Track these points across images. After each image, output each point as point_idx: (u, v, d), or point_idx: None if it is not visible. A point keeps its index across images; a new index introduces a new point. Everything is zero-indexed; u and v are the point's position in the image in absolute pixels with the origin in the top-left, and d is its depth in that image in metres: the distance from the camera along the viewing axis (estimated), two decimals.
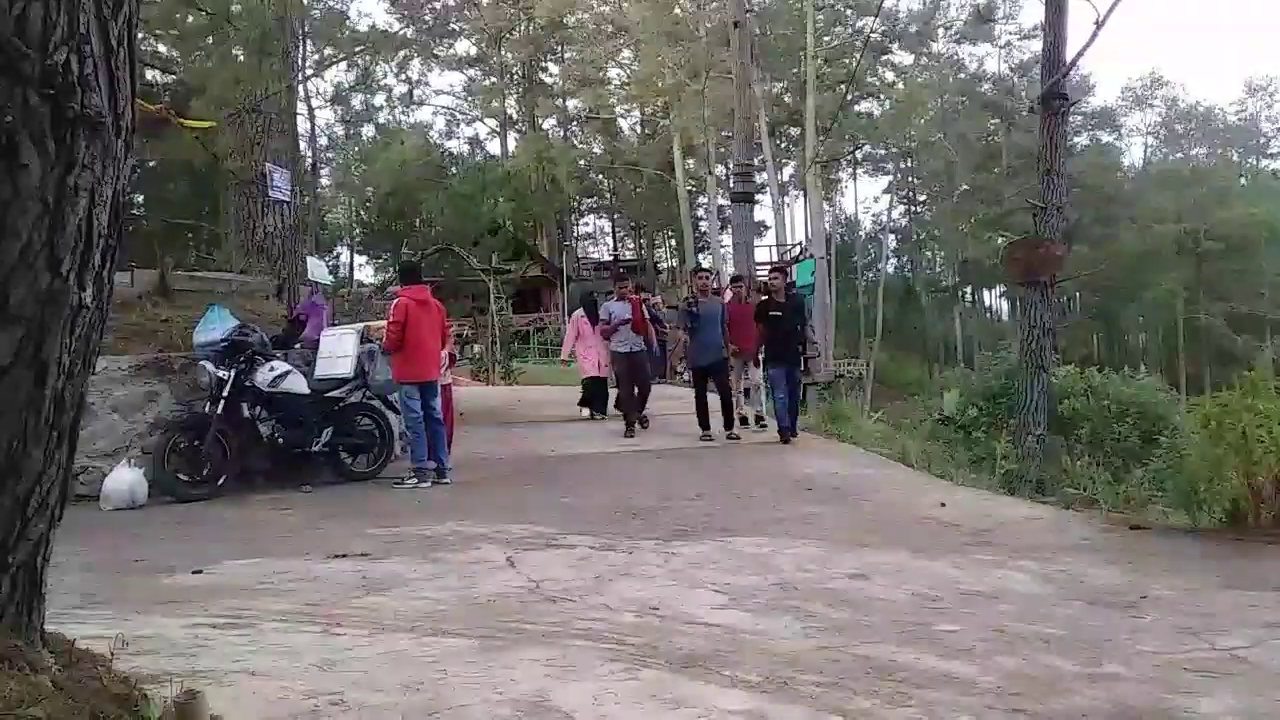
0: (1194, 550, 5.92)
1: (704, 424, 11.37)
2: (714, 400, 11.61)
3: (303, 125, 21.75)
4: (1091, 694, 3.20)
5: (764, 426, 11.92)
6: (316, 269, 12.91)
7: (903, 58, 56.94)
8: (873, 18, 43.89)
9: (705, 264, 34.02)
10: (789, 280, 11.62)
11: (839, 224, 64.51)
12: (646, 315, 12.50)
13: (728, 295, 12.86)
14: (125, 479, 7.98)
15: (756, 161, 23.21)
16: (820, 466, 9.23)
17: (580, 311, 15.08)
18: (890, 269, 62.06)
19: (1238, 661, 3.57)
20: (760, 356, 11.79)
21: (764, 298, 11.73)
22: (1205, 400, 7.03)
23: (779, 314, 11.10)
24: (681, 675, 3.32)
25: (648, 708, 3.00)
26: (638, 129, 58.82)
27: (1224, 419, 6.36)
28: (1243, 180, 60.71)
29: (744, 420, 11.80)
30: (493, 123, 58.17)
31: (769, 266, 13.96)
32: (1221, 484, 6.48)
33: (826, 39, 47.01)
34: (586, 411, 13.98)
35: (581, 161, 55.66)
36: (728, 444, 11.04)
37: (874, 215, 67.61)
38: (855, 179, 65.53)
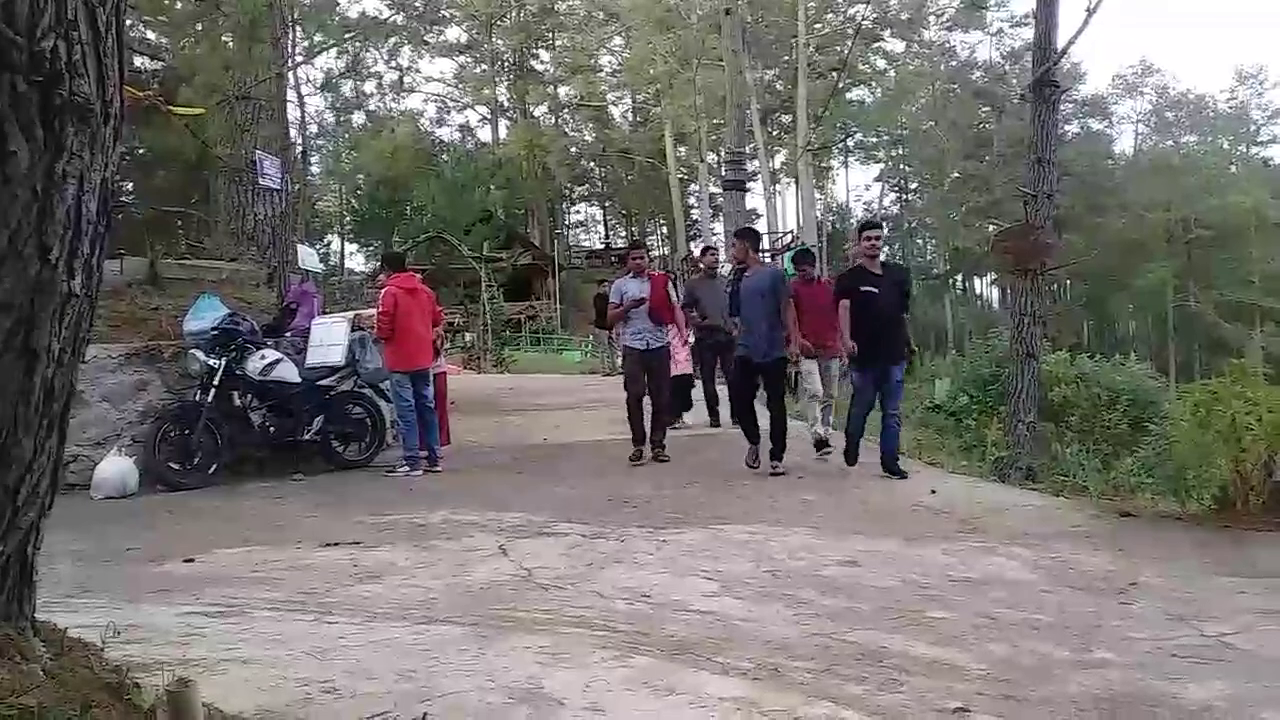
0: (1183, 537, 5.95)
1: (751, 435, 8.40)
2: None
3: (293, 112, 21.61)
4: (1081, 680, 3.22)
5: (828, 454, 8.80)
6: (307, 257, 12.87)
7: (894, 45, 57.02)
8: (864, 4, 43.90)
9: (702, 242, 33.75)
10: (873, 238, 8.55)
11: (830, 212, 64.54)
12: (674, 298, 9.69)
13: (759, 266, 9.19)
14: (116, 468, 7.97)
15: (748, 149, 23.16)
16: (812, 455, 9.24)
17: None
18: (881, 257, 62.02)
19: (1226, 648, 3.60)
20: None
21: (850, 268, 8.85)
22: (1195, 388, 7.06)
23: (873, 290, 8.04)
24: (673, 662, 3.33)
25: (639, 695, 3.01)
26: (629, 116, 58.82)
27: (1213, 406, 6.40)
28: (1233, 168, 60.79)
29: (822, 444, 8.97)
30: (484, 110, 58.13)
31: (861, 224, 9.15)
32: (1210, 471, 6.52)
33: (818, 26, 46.90)
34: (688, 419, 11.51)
35: (573, 149, 55.64)
36: (725, 437, 10.24)
37: (865, 203, 67.69)
38: (847, 167, 65.78)
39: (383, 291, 9.08)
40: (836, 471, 8.35)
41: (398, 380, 8.89)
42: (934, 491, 7.36)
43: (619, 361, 12.23)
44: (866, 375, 8.20)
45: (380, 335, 8.94)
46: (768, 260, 8.82)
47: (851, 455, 8.30)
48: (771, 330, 8.20)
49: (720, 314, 10.31)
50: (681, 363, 11.09)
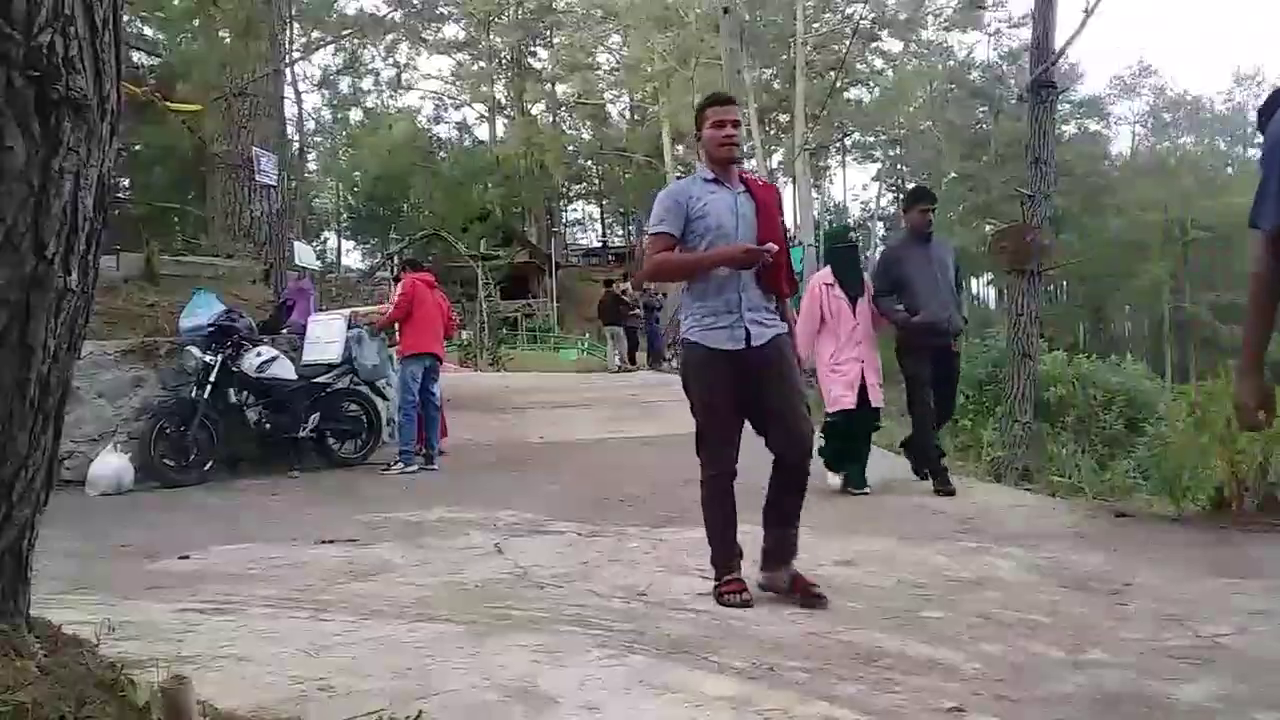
0: (1178, 537, 5.95)
1: None
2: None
3: (290, 109, 21.63)
4: (1075, 680, 3.22)
5: None
6: (304, 254, 12.87)
7: (892, 45, 57.03)
8: (862, 4, 43.92)
9: None
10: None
11: (827, 211, 64.52)
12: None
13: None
14: (111, 464, 7.96)
15: (745, 148, 23.15)
16: None
17: (827, 271, 7.27)
18: (878, 256, 62.11)
19: (1221, 648, 3.59)
20: None
21: None
22: (1190, 388, 7.06)
23: None
24: (668, 661, 3.33)
25: (634, 693, 3.00)
26: (627, 115, 58.83)
27: (1209, 407, 6.41)
28: (1230, 169, 60.88)
29: None
30: (481, 108, 58.06)
31: None
32: (1206, 471, 6.51)
33: (816, 25, 46.91)
34: (835, 479, 7.17)
35: (570, 147, 55.63)
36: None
37: (862, 203, 67.74)
38: (844, 166, 65.80)
39: (403, 280, 9.33)
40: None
41: (410, 370, 8.96)
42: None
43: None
44: None
45: (395, 316, 9.13)
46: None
47: None
48: None
49: (948, 302, 7.01)
50: (853, 389, 6.95)
